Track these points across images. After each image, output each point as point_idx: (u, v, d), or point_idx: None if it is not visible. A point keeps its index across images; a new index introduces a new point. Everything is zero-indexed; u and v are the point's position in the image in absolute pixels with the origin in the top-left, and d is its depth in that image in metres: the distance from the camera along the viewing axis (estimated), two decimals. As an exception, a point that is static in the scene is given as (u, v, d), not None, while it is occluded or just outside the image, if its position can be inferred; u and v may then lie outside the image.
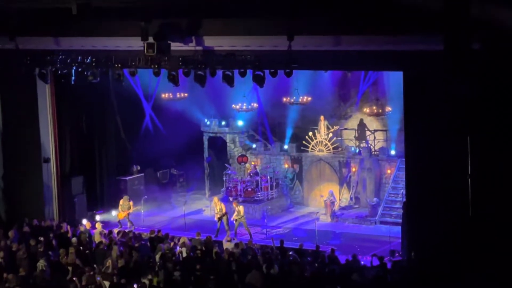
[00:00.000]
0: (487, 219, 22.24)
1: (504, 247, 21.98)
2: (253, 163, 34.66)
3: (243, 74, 24.66)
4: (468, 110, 21.41)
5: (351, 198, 33.12)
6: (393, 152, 32.66)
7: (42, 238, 25.72)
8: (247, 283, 21.03)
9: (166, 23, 25.13)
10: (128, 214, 30.25)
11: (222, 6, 24.39)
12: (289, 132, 35.17)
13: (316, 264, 23.10)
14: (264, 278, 21.20)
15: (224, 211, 28.85)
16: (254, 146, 35.69)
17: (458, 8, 19.03)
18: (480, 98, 21.01)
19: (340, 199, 33.09)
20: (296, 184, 34.47)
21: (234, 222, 28.70)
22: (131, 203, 30.44)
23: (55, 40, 27.42)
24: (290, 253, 24.14)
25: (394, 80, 30.77)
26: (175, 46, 25.33)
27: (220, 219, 28.79)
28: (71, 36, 27.12)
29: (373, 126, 33.96)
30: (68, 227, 27.74)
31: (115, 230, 28.23)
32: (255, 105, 34.26)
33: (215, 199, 29.76)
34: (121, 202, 30.46)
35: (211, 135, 35.89)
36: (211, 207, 29.95)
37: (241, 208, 28.92)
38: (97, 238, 26.30)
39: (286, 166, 34.55)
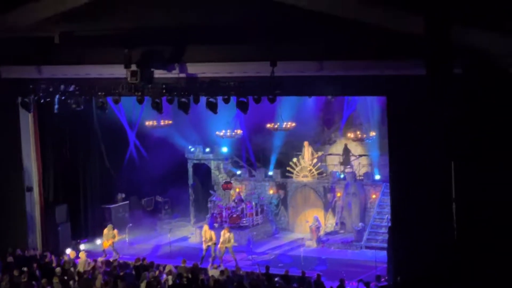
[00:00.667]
0: (472, 243, 22.24)
1: (489, 271, 21.98)
2: (237, 189, 34.57)
3: (226, 101, 24.69)
4: (452, 134, 21.47)
5: (336, 223, 33.06)
6: (377, 177, 32.65)
7: (25, 268, 25.51)
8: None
9: (149, 51, 25.15)
10: (113, 243, 30.04)
11: (205, 33, 24.41)
12: (273, 158, 35.11)
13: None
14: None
15: (214, 239, 28.77)
16: (238, 172, 35.63)
17: (439, 33, 19.15)
18: (463, 122, 21.07)
19: (325, 225, 33.03)
20: (281, 210, 34.40)
21: (222, 248, 28.60)
22: (115, 231, 30.24)
23: (38, 69, 27.38)
24: (276, 279, 24.04)
25: (378, 104, 30.86)
26: (159, 73, 25.34)
27: (208, 247, 28.70)
28: (53, 64, 27.09)
29: (358, 151, 33.98)
30: (52, 256, 27.53)
31: (100, 259, 28.04)
32: (239, 131, 34.24)
33: (205, 226, 29.65)
34: (105, 231, 30.20)
35: (195, 162, 35.79)
36: (201, 234, 29.73)
37: (232, 235, 28.86)
38: (81, 268, 26.12)
39: (271, 192, 34.49)
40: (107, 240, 29.98)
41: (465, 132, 21.18)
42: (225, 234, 28.81)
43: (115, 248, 29.97)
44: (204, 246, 28.87)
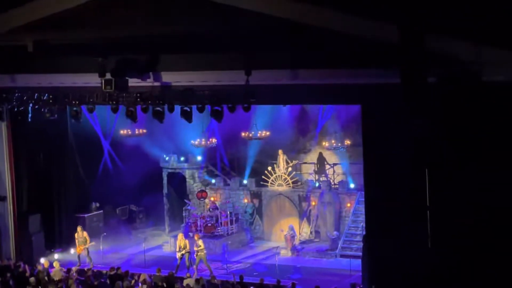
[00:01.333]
0: (446, 250, 22.34)
1: (463, 278, 22.09)
2: (212, 198, 34.55)
3: (201, 110, 24.68)
4: (426, 142, 21.57)
5: (311, 232, 33.11)
6: (352, 186, 32.74)
7: (-1, 278, 25.39)
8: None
9: (124, 59, 25.08)
10: (87, 250, 29.88)
11: (180, 41, 24.39)
12: (248, 167, 35.14)
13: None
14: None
15: (188, 248, 28.76)
16: (213, 181, 35.60)
17: (413, 42, 19.24)
18: (437, 130, 21.18)
19: (300, 233, 33.06)
20: (256, 219, 34.39)
21: (195, 256, 28.58)
22: (85, 233, 30.15)
23: (11, 77, 27.25)
24: (251, 288, 24.06)
25: (352, 113, 30.97)
26: (133, 82, 25.28)
27: (182, 255, 28.67)
28: (27, 73, 26.97)
29: (332, 160, 34.07)
30: (26, 266, 27.35)
31: (74, 269, 27.88)
32: (214, 140, 34.25)
33: (180, 235, 29.59)
34: (76, 235, 30.16)
35: (170, 170, 35.73)
36: (176, 243, 29.65)
37: (201, 241, 28.84)
38: (55, 277, 25.96)
39: (246, 201, 34.48)
40: (79, 246, 29.87)
41: (439, 140, 21.28)
42: (195, 240, 28.77)
43: (89, 254, 29.81)
44: (178, 255, 28.83)
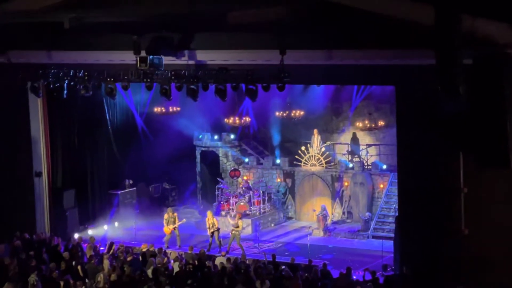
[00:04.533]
0: (479, 233, 22.24)
1: (496, 261, 22.00)
2: (245, 177, 34.62)
3: (235, 88, 24.66)
4: (460, 124, 21.41)
5: (343, 213, 33.11)
6: (385, 167, 32.66)
7: (33, 252, 25.62)
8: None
9: (159, 37, 25.12)
10: (175, 228, 29.40)
11: (215, 20, 24.37)
12: (281, 147, 35.17)
13: (308, 279, 23.02)
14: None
15: (216, 225, 28.84)
16: (246, 160, 35.67)
17: (449, 23, 19.06)
18: (472, 113, 21.01)
19: (332, 214, 33.07)
20: (289, 199, 34.44)
21: (230, 234, 28.69)
22: (175, 215, 29.79)
23: (48, 54, 27.40)
24: (283, 267, 24.07)
25: (386, 94, 30.84)
26: (168, 60, 25.32)
27: (212, 233, 28.77)
28: (63, 50, 27.10)
29: (366, 141, 34.01)
30: (60, 241, 27.63)
31: (110, 244, 27.97)
32: (248, 119, 34.27)
33: (209, 213, 29.70)
34: (165, 216, 29.73)
35: (203, 149, 35.86)
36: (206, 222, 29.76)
37: (240, 222, 28.92)
38: (88, 253, 26.20)
39: (279, 180, 34.52)
40: (168, 225, 29.51)
41: (474, 123, 21.09)
42: (236, 220, 28.81)
43: (179, 233, 29.53)
44: (209, 233, 28.92)
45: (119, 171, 34.73)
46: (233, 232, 28.58)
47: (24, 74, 27.27)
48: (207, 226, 29.04)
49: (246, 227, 31.73)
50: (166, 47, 25.22)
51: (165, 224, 29.56)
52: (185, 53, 25.47)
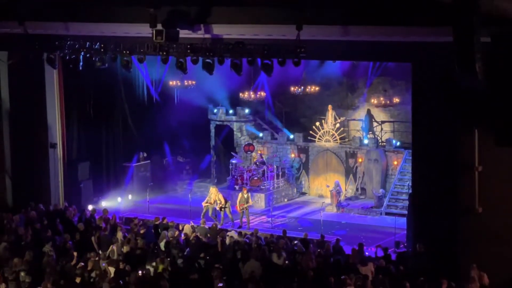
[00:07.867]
0: (493, 212, 22.23)
1: (510, 239, 22.01)
2: (259, 152, 34.65)
3: (251, 63, 24.62)
4: (476, 102, 21.35)
5: (357, 189, 33.13)
6: (399, 144, 32.62)
7: (48, 223, 25.78)
8: (245, 272, 21.05)
9: (175, 11, 25.07)
10: (246, 208, 28.93)
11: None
12: (296, 122, 35.14)
13: (321, 254, 23.09)
14: (263, 267, 21.23)
15: (223, 201, 28.84)
16: (261, 135, 35.68)
17: (468, 0, 18.94)
18: (489, 91, 20.95)
19: (346, 190, 33.10)
20: (302, 174, 34.47)
21: (239, 210, 28.76)
22: (249, 195, 29.25)
23: (64, 25, 27.41)
24: (295, 242, 24.16)
25: (402, 71, 30.72)
26: (184, 33, 25.28)
27: (222, 208, 28.82)
28: (80, 21, 27.10)
29: (380, 117, 33.93)
30: (74, 211, 27.78)
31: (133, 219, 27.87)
32: (263, 94, 34.24)
33: (213, 189, 29.52)
34: (240, 195, 29.26)
35: (218, 123, 35.88)
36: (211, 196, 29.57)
37: (249, 195, 29.08)
38: (99, 224, 26.34)
39: (293, 155, 34.54)
40: (240, 204, 29.09)
41: (490, 100, 21.02)
42: (243, 194, 28.86)
43: (248, 214, 29.14)
44: (217, 208, 28.98)
45: (133, 144, 34.81)
46: (243, 206, 28.65)
47: (40, 45, 27.29)
48: (206, 200, 29.01)
49: (258, 201, 31.83)
50: (183, 20, 25.17)
51: (237, 203, 29.20)
52: (201, 27, 25.42)
